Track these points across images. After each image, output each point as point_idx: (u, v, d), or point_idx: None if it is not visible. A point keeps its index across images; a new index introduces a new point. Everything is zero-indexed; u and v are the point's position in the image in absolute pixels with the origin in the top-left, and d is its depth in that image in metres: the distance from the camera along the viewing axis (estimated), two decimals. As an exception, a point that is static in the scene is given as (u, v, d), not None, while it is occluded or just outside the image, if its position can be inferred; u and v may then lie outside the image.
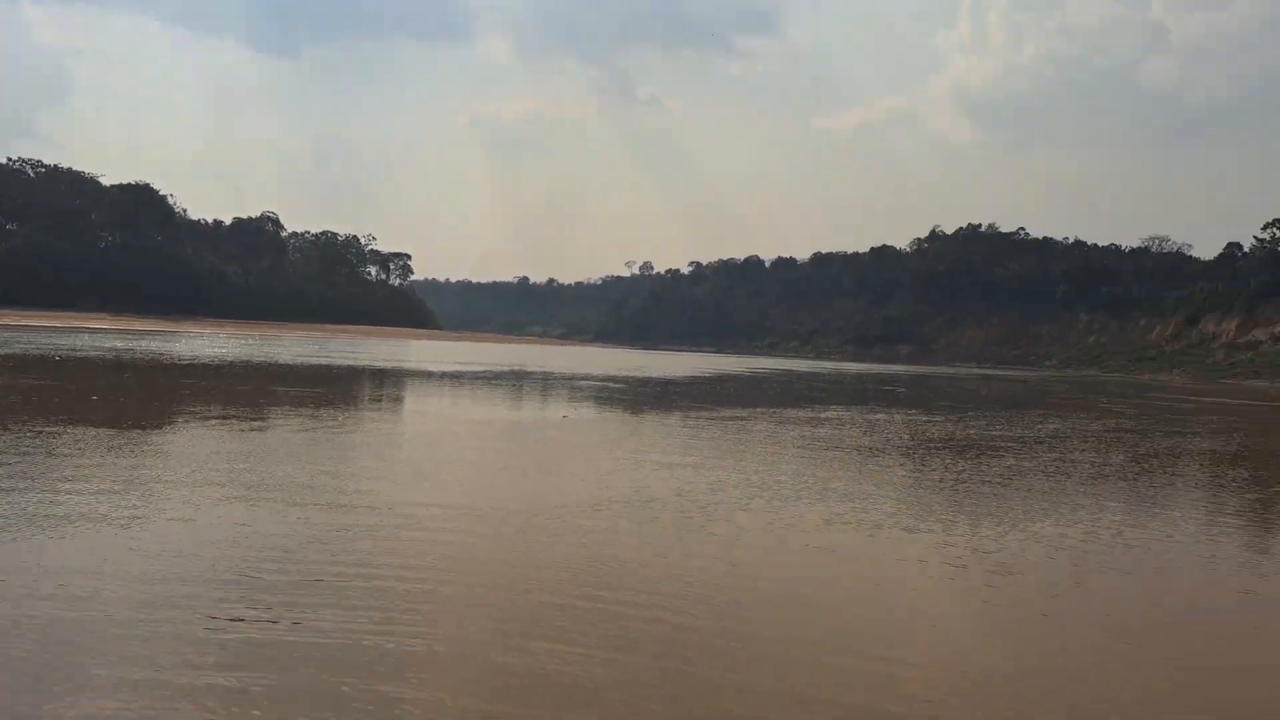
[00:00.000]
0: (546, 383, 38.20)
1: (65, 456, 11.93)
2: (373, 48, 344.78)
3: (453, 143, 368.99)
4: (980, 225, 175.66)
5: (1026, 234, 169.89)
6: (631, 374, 49.13)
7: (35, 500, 9.27)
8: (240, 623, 6.19)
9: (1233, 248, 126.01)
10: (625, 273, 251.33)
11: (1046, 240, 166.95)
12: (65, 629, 5.91)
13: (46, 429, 14.22)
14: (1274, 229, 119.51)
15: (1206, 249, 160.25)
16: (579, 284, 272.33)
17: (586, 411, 25.09)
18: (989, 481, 14.41)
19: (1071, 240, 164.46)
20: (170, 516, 8.99)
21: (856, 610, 7.40)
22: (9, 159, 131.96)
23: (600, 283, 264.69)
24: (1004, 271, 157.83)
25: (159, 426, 16.37)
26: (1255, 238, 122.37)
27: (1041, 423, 27.34)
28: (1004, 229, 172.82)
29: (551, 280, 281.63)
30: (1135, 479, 15.70)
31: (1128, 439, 23.26)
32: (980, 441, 20.64)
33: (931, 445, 19.64)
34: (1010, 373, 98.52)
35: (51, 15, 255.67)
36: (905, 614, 7.45)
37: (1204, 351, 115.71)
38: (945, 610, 7.69)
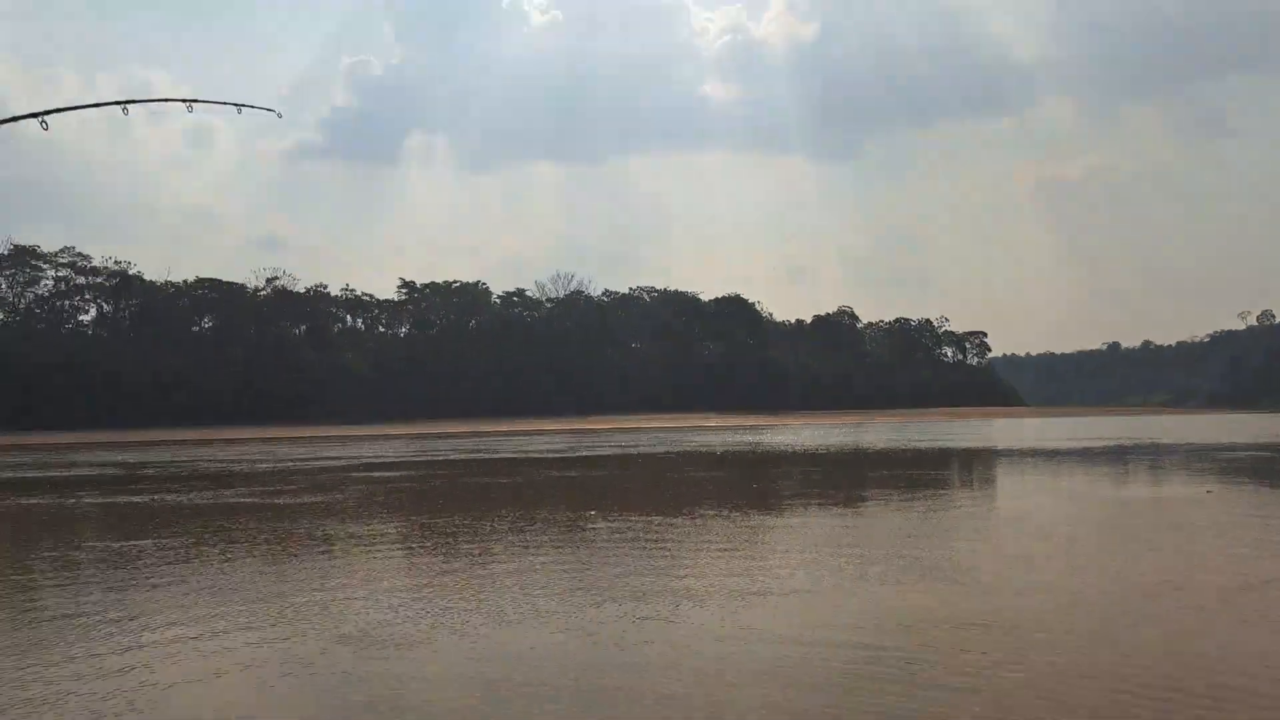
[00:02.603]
0: (1166, 455, 33.85)
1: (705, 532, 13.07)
2: (926, 134, 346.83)
3: (1013, 213, 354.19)
4: None
5: None
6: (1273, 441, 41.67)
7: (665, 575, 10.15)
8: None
9: None
10: (1239, 325, 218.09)
11: None
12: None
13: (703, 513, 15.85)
14: None
15: None
16: (1180, 344, 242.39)
17: (1235, 487, 21.52)
18: None
19: None
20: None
21: None
22: (630, 288, 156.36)
23: (1207, 340, 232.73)
24: None
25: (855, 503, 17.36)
26: None
27: None
28: None
29: (1146, 342, 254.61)
30: None
31: None
32: None
33: None
34: None
35: (646, 165, 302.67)
36: None
37: None
38: None
